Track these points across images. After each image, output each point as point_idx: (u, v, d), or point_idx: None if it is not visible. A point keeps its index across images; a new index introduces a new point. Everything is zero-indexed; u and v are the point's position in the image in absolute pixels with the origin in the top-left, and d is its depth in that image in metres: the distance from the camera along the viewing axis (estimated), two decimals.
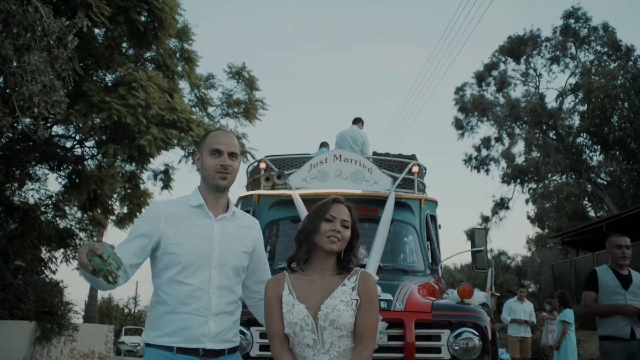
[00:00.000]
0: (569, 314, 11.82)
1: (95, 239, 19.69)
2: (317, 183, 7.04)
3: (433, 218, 7.40)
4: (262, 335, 4.76)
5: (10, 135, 14.61)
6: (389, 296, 5.12)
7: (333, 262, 3.19)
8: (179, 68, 15.50)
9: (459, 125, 36.00)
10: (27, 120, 9.43)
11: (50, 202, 18.66)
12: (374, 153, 8.52)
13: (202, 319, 3.20)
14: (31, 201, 18.56)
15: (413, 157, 7.70)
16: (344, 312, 3.03)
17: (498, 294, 12.81)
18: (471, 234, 7.01)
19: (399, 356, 4.92)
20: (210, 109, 16.10)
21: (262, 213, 6.95)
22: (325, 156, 7.21)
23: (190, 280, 3.20)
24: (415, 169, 7.36)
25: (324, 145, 9.92)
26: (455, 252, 10.56)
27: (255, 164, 7.98)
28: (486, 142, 36.01)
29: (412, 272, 6.54)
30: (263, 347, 4.78)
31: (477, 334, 4.95)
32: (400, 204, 6.90)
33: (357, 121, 10.04)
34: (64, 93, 9.25)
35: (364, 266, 5.62)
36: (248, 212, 7.14)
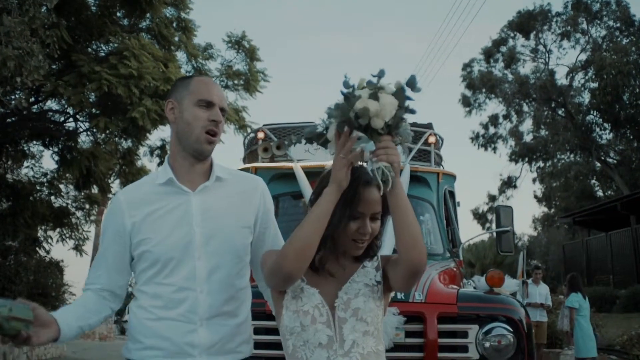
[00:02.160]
0: (573, 299, 11.24)
1: (92, 217, 19.07)
2: (322, 154, 6.27)
3: (452, 194, 6.74)
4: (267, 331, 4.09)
5: (1, 110, 13.90)
6: None
7: None
8: (176, 38, 14.68)
9: (466, 102, 35.38)
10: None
11: (45, 179, 18.02)
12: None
13: (189, 326, 2.51)
14: (25, 179, 17.94)
15: (429, 126, 6.93)
16: (370, 300, 2.34)
17: (529, 281, 12.09)
18: (496, 213, 6.25)
19: (419, 356, 4.33)
20: None
21: None
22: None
23: (170, 280, 2.54)
24: (431, 139, 6.63)
25: None
26: (464, 233, 9.76)
27: (253, 134, 7.20)
28: (494, 120, 35.42)
29: (430, 255, 5.78)
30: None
31: (511, 329, 4.36)
32: (415, 178, 6.22)
33: None
34: (43, 58, 8.47)
35: None
36: None
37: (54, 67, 12.94)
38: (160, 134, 15.59)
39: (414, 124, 7.13)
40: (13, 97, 12.97)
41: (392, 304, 4.32)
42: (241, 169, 6.62)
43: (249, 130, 13.52)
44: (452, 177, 6.82)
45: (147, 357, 2.51)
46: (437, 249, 6.01)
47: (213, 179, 2.63)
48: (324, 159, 6.20)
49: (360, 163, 2.32)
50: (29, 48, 8.06)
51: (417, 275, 2.28)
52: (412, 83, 2.21)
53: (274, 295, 2.44)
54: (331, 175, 2.26)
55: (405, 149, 6.44)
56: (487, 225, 36.65)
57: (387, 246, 5.07)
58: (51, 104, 15.53)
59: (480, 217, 37.85)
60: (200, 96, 2.59)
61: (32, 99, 13.88)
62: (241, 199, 2.67)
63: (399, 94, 2.19)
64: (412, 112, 2.24)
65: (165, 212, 2.56)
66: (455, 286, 5.02)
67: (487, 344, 4.30)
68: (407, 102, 2.21)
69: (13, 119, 14.30)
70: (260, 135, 6.69)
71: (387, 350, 4.25)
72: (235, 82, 14.97)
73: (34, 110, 14.98)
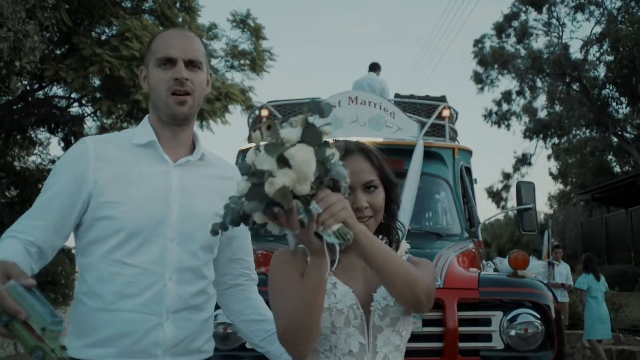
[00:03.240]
0: (582, 280, 10.91)
1: None
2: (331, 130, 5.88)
3: (468, 171, 6.37)
4: None
5: (9, 98, 13.62)
6: None
7: (373, 233, 2.07)
8: (180, 19, 14.30)
9: (478, 79, 34.79)
10: None
11: (52, 166, 17.83)
12: (396, 95, 7.35)
13: (154, 319, 2.13)
14: (32, 166, 17.79)
15: (443, 98, 6.54)
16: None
17: (556, 262, 11.68)
18: (517, 189, 5.86)
19: (438, 346, 3.99)
20: (214, 62, 14.92)
21: None
22: (338, 99, 6.05)
23: (134, 259, 2.13)
24: (446, 113, 6.25)
25: (373, 68, 8.68)
26: (480, 213, 9.36)
27: (257, 112, 6.84)
28: (507, 96, 34.82)
29: (447, 235, 5.56)
30: None
31: (538, 315, 4.02)
32: (429, 154, 5.86)
33: (375, 67, 9.00)
34: (39, 40, 8.13)
35: None
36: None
37: (57, 52, 12.67)
38: None
39: (426, 97, 6.77)
40: (18, 83, 12.70)
41: None
42: (244, 150, 6.30)
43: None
44: (468, 152, 6.46)
45: (99, 357, 2.11)
46: (454, 229, 5.66)
47: (198, 154, 2.30)
48: (331, 135, 5.84)
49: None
50: (24, 30, 7.70)
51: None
52: (317, 109, 1.74)
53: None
54: (306, 249, 1.91)
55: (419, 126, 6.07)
56: (502, 203, 36.19)
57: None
58: (57, 89, 15.34)
59: (494, 195, 37.38)
60: (158, 54, 2.21)
61: (36, 85, 13.58)
62: (220, 185, 2.28)
63: (309, 133, 1.71)
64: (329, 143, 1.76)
65: (139, 178, 2.19)
66: (475, 269, 4.67)
67: (512, 332, 3.97)
68: (324, 135, 1.73)
69: (20, 105, 14.06)
70: (264, 112, 6.34)
71: None
72: (242, 62, 14.60)
73: (39, 97, 14.71)
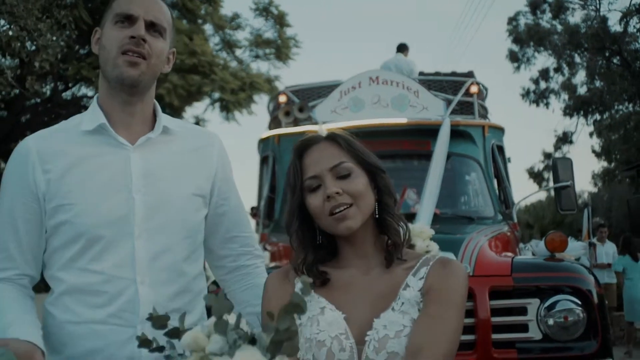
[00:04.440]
0: (619, 262, 10.68)
1: None
2: (350, 114, 5.64)
3: (500, 149, 6.00)
4: None
5: (36, 100, 13.59)
6: (450, 256, 3.81)
7: (372, 234, 1.78)
8: (202, 11, 14.11)
9: (514, 57, 34.01)
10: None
11: None
12: (421, 73, 7.00)
13: (127, 331, 1.85)
14: None
15: (470, 74, 6.17)
16: None
17: (600, 243, 11.21)
18: (553, 166, 5.47)
19: (469, 339, 3.66)
20: (239, 52, 14.74)
21: (283, 157, 5.67)
22: (358, 80, 5.74)
23: (98, 265, 1.87)
24: (474, 89, 5.90)
25: (401, 49, 8.38)
26: (518, 194, 8.98)
27: (275, 98, 6.57)
28: (544, 74, 33.99)
29: (479, 219, 5.21)
30: None
31: (579, 302, 3.66)
32: (457, 134, 5.51)
33: (402, 48, 8.66)
34: (51, 37, 7.95)
35: (411, 217, 4.23)
36: (266, 158, 5.82)
37: (81, 51, 12.59)
38: (194, 111, 15.11)
39: (452, 74, 6.42)
40: (44, 85, 12.63)
41: None
42: (263, 138, 6.04)
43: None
44: (499, 130, 6.09)
45: None
46: (486, 212, 5.31)
47: (159, 129, 1.99)
48: (351, 118, 5.55)
49: None
50: (37, 28, 7.52)
51: None
52: None
53: None
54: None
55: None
56: (544, 184, 35.47)
57: (424, 213, 4.43)
58: (84, 89, 15.30)
59: (536, 176, 36.58)
60: (116, 10, 1.93)
61: (62, 86, 13.53)
62: (194, 159, 2.03)
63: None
64: None
65: (93, 170, 1.90)
66: (509, 253, 4.34)
67: (550, 321, 3.62)
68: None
69: (47, 106, 14.04)
70: (282, 98, 6.05)
71: None
72: (267, 51, 14.35)
73: (66, 98, 14.69)
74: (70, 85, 14.00)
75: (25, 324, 1.78)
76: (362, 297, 1.69)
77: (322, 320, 1.66)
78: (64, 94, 14.25)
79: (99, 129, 1.93)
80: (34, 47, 8.14)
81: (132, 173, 1.91)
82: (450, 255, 3.82)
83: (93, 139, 1.94)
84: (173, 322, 1.84)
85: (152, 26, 1.93)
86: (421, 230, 3.78)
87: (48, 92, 12.35)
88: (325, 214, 1.69)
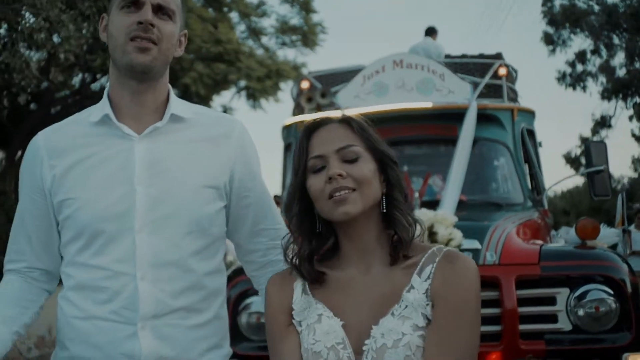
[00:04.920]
0: None
1: None
2: (374, 98, 5.49)
3: (531, 133, 5.78)
4: None
5: (65, 93, 13.68)
6: (475, 244, 3.75)
7: (375, 228, 1.63)
8: None
9: (549, 40, 33.38)
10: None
11: None
12: (447, 56, 6.82)
13: (127, 329, 1.77)
14: None
15: (498, 56, 5.97)
16: (419, 352, 1.50)
17: (631, 228, 10.90)
18: (586, 150, 5.26)
19: (496, 330, 3.56)
20: (265, 40, 14.64)
21: None
22: (382, 64, 5.60)
23: (99, 260, 1.81)
24: (502, 71, 5.70)
25: (430, 33, 8.29)
26: (554, 180, 8.72)
27: (297, 84, 6.44)
28: (581, 56, 33.30)
29: (508, 205, 5.03)
30: None
31: (612, 292, 3.53)
32: (485, 118, 5.31)
33: (431, 32, 8.52)
34: (74, 28, 7.94)
35: (436, 204, 4.09)
36: (290, 145, 5.72)
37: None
38: (222, 100, 15.07)
39: (480, 56, 6.24)
40: (72, 77, 12.69)
41: None
42: (287, 125, 5.92)
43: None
44: (530, 113, 5.88)
45: None
46: (515, 198, 5.12)
47: (167, 117, 1.88)
48: (375, 103, 5.41)
49: None
50: (59, 19, 7.51)
51: None
52: None
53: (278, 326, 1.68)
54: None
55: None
56: (581, 170, 34.84)
57: (449, 200, 4.29)
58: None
59: (573, 161, 35.96)
60: None
61: (89, 78, 13.59)
62: (207, 148, 1.91)
63: None
64: None
65: (96, 163, 1.84)
66: (538, 241, 4.18)
67: (581, 312, 3.49)
68: None
69: (76, 98, 14.14)
70: (305, 84, 5.92)
71: None
72: (293, 38, 14.24)
73: (95, 89, 14.78)
74: (97, 76, 14.07)
75: None
76: (362, 300, 1.57)
77: (319, 329, 1.55)
78: (92, 85, 14.33)
79: (104, 119, 1.86)
80: (59, 40, 8.12)
81: (136, 164, 1.83)
82: (474, 243, 3.69)
83: (99, 130, 1.87)
84: (175, 321, 1.79)
85: (159, 9, 1.82)
86: (444, 217, 3.65)
87: (77, 84, 12.39)
88: (324, 196, 1.56)
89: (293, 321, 1.62)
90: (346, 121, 1.65)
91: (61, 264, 1.92)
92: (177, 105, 1.92)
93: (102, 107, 1.87)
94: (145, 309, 1.76)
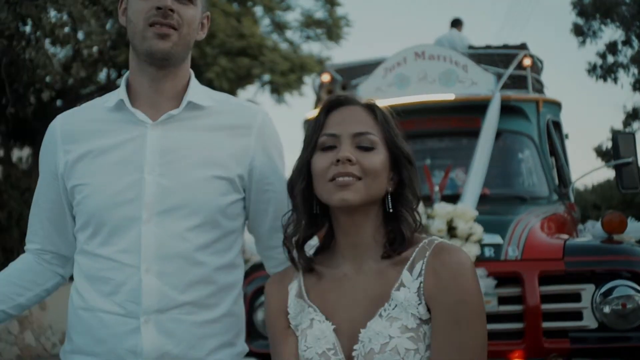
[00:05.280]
0: None
1: None
2: (396, 91, 5.40)
3: (557, 125, 5.65)
4: None
5: (91, 89, 13.76)
6: (496, 238, 3.67)
7: (373, 225, 1.55)
8: None
9: (578, 31, 32.88)
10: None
11: None
12: (470, 47, 6.68)
13: (130, 322, 1.71)
14: None
15: (523, 46, 5.83)
16: (410, 356, 1.40)
17: None
18: (614, 141, 5.11)
19: (518, 327, 3.50)
20: (289, 34, 14.56)
21: None
22: (403, 55, 5.49)
23: (104, 250, 1.77)
24: (527, 62, 5.56)
25: (455, 24, 8.29)
26: (583, 173, 8.56)
27: (319, 77, 6.38)
28: (612, 47, 32.74)
29: (532, 199, 4.91)
30: None
31: (639, 288, 3.42)
32: (509, 109, 5.18)
33: (456, 23, 8.52)
34: (97, 24, 7.94)
35: (454, 198, 4.00)
36: None
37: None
38: (246, 95, 15.05)
39: (504, 46, 6.11)
40: (97, 73, 12.74)
41: (479, 263, 3.52)
42: (308, 119, 5.85)
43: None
44: (556, 105, 5.74)
45: None
46: (540, 191, 4.99)
47: (183, 104, 1.81)
48: (397, 95, 5.32)
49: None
50: (80, 15, 7.52)
51: None
52: None
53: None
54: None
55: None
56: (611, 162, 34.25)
57: (470, 194, 4.19)
58: None
59: (604, 154, 35.44)
60: None
61: (114, 73, 13.65)
62: (224, 138, 1.83)
63: None
64: None
65: (107, 149, 1.79)
66: (564, 236, 4.06)
67: (607, 309, 3.39)
68: None
69: (103, 93, 14.22)
70: (326, 78, 5.86)
71: None
72: (318, 31, 14.16)
73: (120, 85, 14.90)
74: (122, 72, 14.15)
75: None
76: (354, 301, 1.49)
77: (310, 335, 1.48)
78: (117, 81, 14.41)
79: (119, 105, 1.82)
80: (82, 36, 8.14)
81: (147, 152, 1.77)
82: (496, 238, 3.60)
83: (113, 116, 1.83)
84: (181, 316, 1.72)
85: None
86: (463, 212, 3.56)
87: (103, 80, 12.44)
88: (326, 177, 1.48)
89: (290, 325, 1.57)
90: (371, 107, 1.57)
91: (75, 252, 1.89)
92: (196, 92, 1.86)
93: (119, 93, 1.82)
94: (148, 303, 1.70)
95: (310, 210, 1.57)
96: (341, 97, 1.60)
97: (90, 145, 1.81)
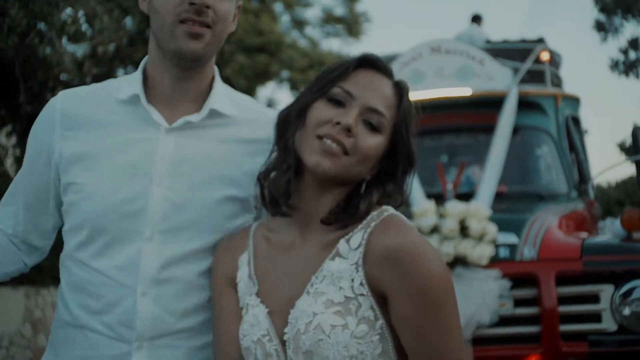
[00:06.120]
0: None
1: None
2: (411, 86, 5.21)
3: (576, 121, 5.57)
4: None
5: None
6: (511, 238, 3.60)
7: (333, 200, 1.40)
8: None
9: (600, 27, 32.57)
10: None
11: None
12: (487, 42, 6.59)
13: (120, 347, 1.55)
14: None
15: (540, 40, 5.72)
16: (337, 332, 1.25)
17: None
18: (633, 136, 4.98)
19: (534, 330, 3.45)
20: (309, 30, 14.54)
21: None
22: (419, 51, 5.39)
23: (99, 263, 1.58)
24: (545, 56, 5.46)
25: (475, 20, 8.32)
26: (603, 170, 8.41)
27: None
28: (634, 43, 32.39)
29: (551, 196, 4.81)
30: None
31: None
32: (527, 104, 5.09)
33: (476, 19, 8.51)
34: (110, 20, 7.91)
35: (469, 196, 3.90)
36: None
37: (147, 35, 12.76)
38: (265, 92, 15.02)
39: (522, 41, 6.00)
40: (116, 70, 12.78)
41: (493, 264, 3.47)
42: None
43: None
44: (574, 100, 5.67)
45: None
46: (559, 188, 4.89)
47: (204, 112, 1.61)
48: (412, 90, 5.18)
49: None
50: (94, 11, 7.50)
51: None
52: None
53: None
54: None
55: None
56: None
57: (485, 191, 4.09)
58: None
59: (628, 151, 35.11)
60: None
61: (131, 71, 13.73)
62: (244, 152, 1.64)
63: None
64: None
65: (114, 148, 1.59)
66: (583, 234, 3.96)
67: (626, 311, 3.33)
68: None
69: None
70: None
71: (491, 326, 3.35)
72: (338, 27, 14.14)
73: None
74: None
75: None
76: (294, 276, 1.35)
77: (246, 322, 1.36)
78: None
79: (131, 99, 1.61)
80: (96, 32, 8.12)
81: (158, 160, 1.58)
82: (511, 237, 3.51)
83: (125, 109, 1.62)
84: (177, 342, 1.56)
85: None
86: (476, 210, 3.47)
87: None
88: (315, 132, 1.33)
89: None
90: (400, 89, 1.41)
91: (63, 257, 1.68)
92: (220, 97, 1.65)
93: (133, 84, 1.61)
94: (142, 329, 1.53)
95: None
96: (380, 62, 1.42)
97: (94, 138, 1.61)
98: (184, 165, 1.58)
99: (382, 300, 1.27)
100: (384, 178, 1.40)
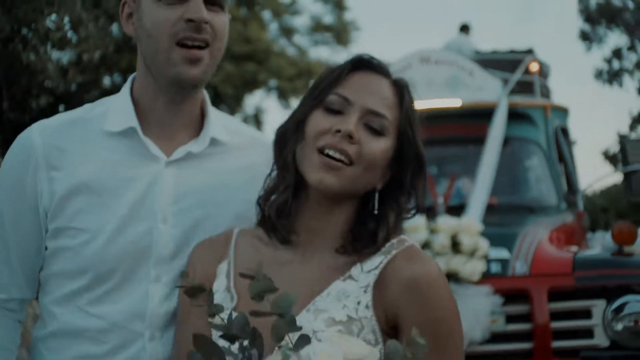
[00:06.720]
0: None
1: None
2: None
3: (564, 132, 5.62)
4: None
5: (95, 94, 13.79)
6: (503, 253, 3.60)
7: (342, 216, 1.34)
8: None
9: (585, 37, 32.94)
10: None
11: None
12: (476, 52, 6.60)
13: None
14: None
15: (529, 51, 5.75)
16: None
17: None
18: (622, 148, 5.00)
19: (527, 347, 3.44)
20: (297, 38, 14.59)
21: None
22: (408, 61, 5.37)
23: (100, 309, 1.48)
24: (534, 67, 5.50)
25: (464, 30, 8.41)
26: (592, 179, 8.41)
27: None
28: (617, 53, 32.79)
29: (541, 208, 4.82)
30: None
31: None
32: (516, 115, 5.11)
33: (465, 29, 8.61)
34: (95, 27, 7.88)
35: (460, 209, 3.88)
36: None
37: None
38: (253, 101, 15.00)
39: (511, 51, 6.02)
40: (102, 77, 12.72)
41: (484, 280, 3.46)
42: None
43: None
44: (563, 111, 5.74)
45: None
46: (549, 200, 4.91)
47: (205, 141, 1.53)
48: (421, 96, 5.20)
49: None
50: (77, 18, 7.47)
51: None
52: None
53: None
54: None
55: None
56: (620, 167, 34.22)
57: (476, 204, 4.06)
58: None
59: (612, 159, 35.41)
60: None
61: (118, 78, 13.64)
62: (244, 179, 1.55)
63: None
64: None
65: (111, 188, 1.48)
66: (573, 247, 3.96)
67: (619, 326, 3.33)
68: None
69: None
70: None
71: (483, 343, 3.33)
72: (327, 36, 14.20)
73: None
74: (127, 76, 14.19)
75: None
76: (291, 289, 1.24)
77: (221, 342, 1.24)
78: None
79: (127, 132, 1.50)
80: (80, 39, 8.09)
81: (162, 195, 1.49)
82: (503, 252, 3.49)
83: (117, 143, 1.50)
84: None
85: (212, 2, 1.46)
86: (468, 226, 3.45)
87: (108, 85, 12.41)
88: (315, 144, 1.27)
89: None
90: (400, 87, 1.34)
91: (42, 294, 1.57)
92: (215, 123, 1.57)
93: (126, 116, 1.50)
94: None
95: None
96: (375, 61, 1.36)
97: (86, 176, 1.48)
98: (185, 200, 1.50)
99: (385, 325, 1.24)
100: (396, 189, 1.34)
